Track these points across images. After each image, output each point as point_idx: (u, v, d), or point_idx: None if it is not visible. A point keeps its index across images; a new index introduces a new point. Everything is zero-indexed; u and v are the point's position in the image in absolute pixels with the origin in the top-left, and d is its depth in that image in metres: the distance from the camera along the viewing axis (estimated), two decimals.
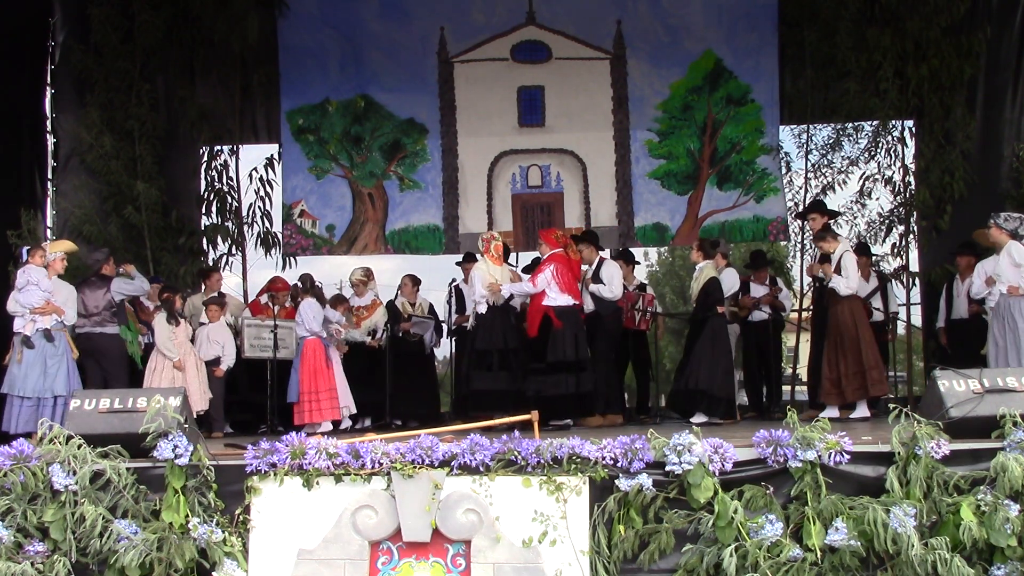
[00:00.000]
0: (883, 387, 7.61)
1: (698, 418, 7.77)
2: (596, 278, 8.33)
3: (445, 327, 9.37)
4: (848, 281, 7.51)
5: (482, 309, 8.23)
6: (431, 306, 9.53)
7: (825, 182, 10.70)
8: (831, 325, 7.59)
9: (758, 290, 9.32)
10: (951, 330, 8.72)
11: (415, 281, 9.46)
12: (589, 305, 8.33)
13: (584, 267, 8.46)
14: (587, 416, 7.85)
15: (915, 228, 9.99)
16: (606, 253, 9.17)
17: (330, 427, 7.95)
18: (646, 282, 10.19)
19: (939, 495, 4.49)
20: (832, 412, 7.39)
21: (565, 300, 7.89)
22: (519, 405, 7.44)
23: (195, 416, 7.97)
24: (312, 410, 7.93)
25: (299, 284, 8.49)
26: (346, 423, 8.25)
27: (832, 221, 8.29)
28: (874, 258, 10.13)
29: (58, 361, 7.26)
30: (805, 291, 10.70)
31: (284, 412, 8.21)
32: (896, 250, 10.25)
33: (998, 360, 6.89)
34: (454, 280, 9.38)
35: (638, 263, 10.03)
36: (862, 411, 7.49)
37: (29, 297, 7.27)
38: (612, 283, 8.31)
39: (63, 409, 6.90)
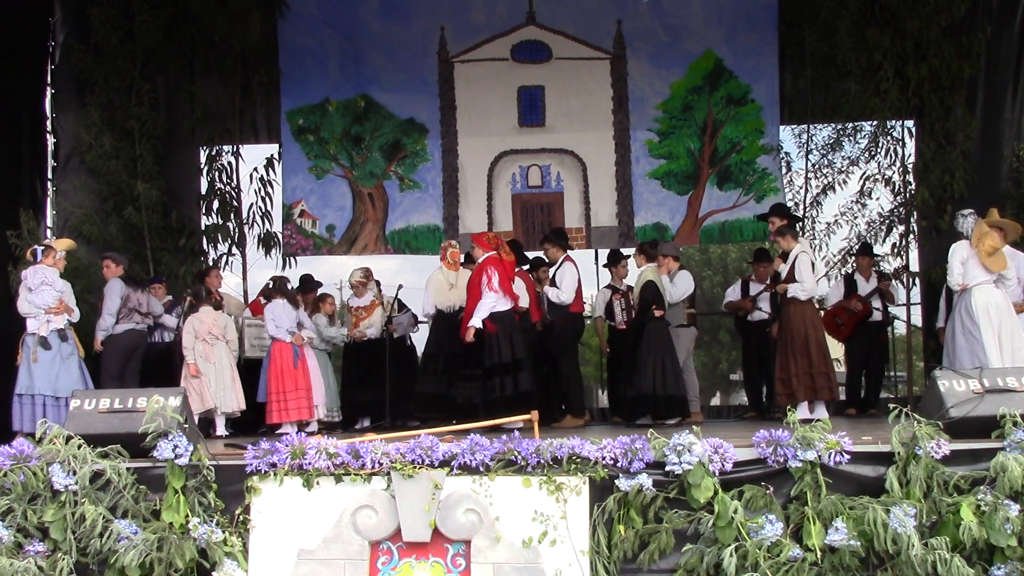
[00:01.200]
0: (831, 393, 7.62)
1: (645, 420, 7.79)
2: (552, 280, 8.26)
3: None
4: (803, 285, 7.53)
5: (430, 311, 8.33)
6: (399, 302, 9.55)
7: (825, 182, 10.72)
8: (784, 328, 7.70)
9: (757, 288, 9.32)
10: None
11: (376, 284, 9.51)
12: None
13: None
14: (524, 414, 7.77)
15: (915, 228, 9.99)
16: (604, 252, 9.15)
17: (295, 427, 7.86)
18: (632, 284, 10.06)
19: (939, 495, 4.49)
20: (804, 414, 7.43)
21: (500, 304, 7.81)
22: (460, 409, 7.62)
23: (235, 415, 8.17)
24: (279, 410, 7.93)
25: (269, 284, 8.49)
26: (313, 425, 8.17)
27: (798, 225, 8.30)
28: (875, 258, 10.16)
29: (73, 360, 7.35)
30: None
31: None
32: (896, 250, 10.25)
33: (950, 359, 6.99)
34: None
35: (628, 256, 9.93)
36: (819, 412, 7.47)
37: (44, 297, 7.32)
38: (564, 287, 8.20)
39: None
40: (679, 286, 8.49)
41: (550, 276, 8.48)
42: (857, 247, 9.74)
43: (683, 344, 8.46)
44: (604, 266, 9.64)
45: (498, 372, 7.70)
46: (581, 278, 8.48)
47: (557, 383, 8.54)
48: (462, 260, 8.65)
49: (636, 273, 8.35)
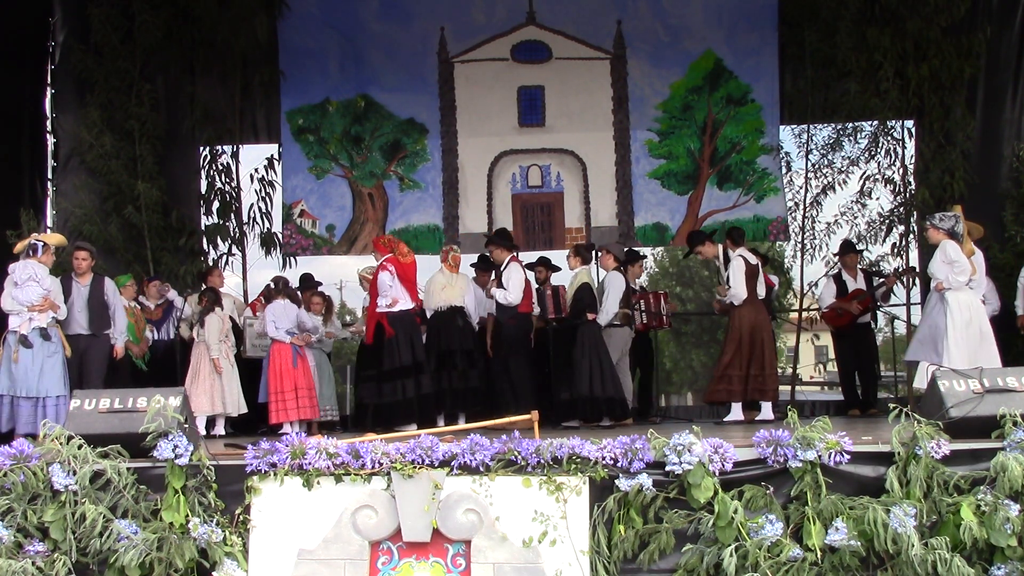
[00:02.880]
0: (775, 395, 7.99)
1: (573, 423, 7.88)
2: (499, 281, 8.24)
3: None
4: (734, 290, 7.92)
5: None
6: None
7: (825, 182, 10.72)
8: (729, 330, 8.07)
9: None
10: None
11: None
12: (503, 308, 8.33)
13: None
14: (429, 419, 7.79)
15: (915, 228, 9.98)
16: (579, 255, 9.10)
17: (296, 427, 7.96)
18: (644, 284, 9.99)
19: (939, 495, 4.49)
20: (736, 415, 7.86)
21: (400, 305, 7.87)
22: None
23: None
24: (278, 410, 7.97)
25: (271, 285, 8.50)
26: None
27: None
28: (876, 257, 10.17)
29: (57, 359, 7.10)
30: (805, 291, 10.72)
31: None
32: (896, 250, 10.25)
33: (918, 352, 7.11)
34: None
35: (644, 256, 9.92)
36: (766, 413, 7.84)
37: (28, 294, 7.06)
38: (511, 287, 8.17)
39: (63, 409, 6.89)
40: (612, 285, 8.40)
41: (497, 277, 8.45)
42: (840, 247, 9.68)
43: (616, 344, 8.42)
44: (686, 255, 9.69)
45: (399, 375, 7.73)
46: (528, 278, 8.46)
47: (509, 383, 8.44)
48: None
49: (571, 274, 8.40)
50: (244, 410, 8.23)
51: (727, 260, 8.18)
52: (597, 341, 8.09)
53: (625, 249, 9.42)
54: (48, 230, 10.17)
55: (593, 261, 8.79)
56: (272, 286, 8.44)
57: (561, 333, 8.27)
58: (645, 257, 9.30)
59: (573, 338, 8.06)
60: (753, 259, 8.11)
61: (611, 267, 8.45)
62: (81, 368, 7.55)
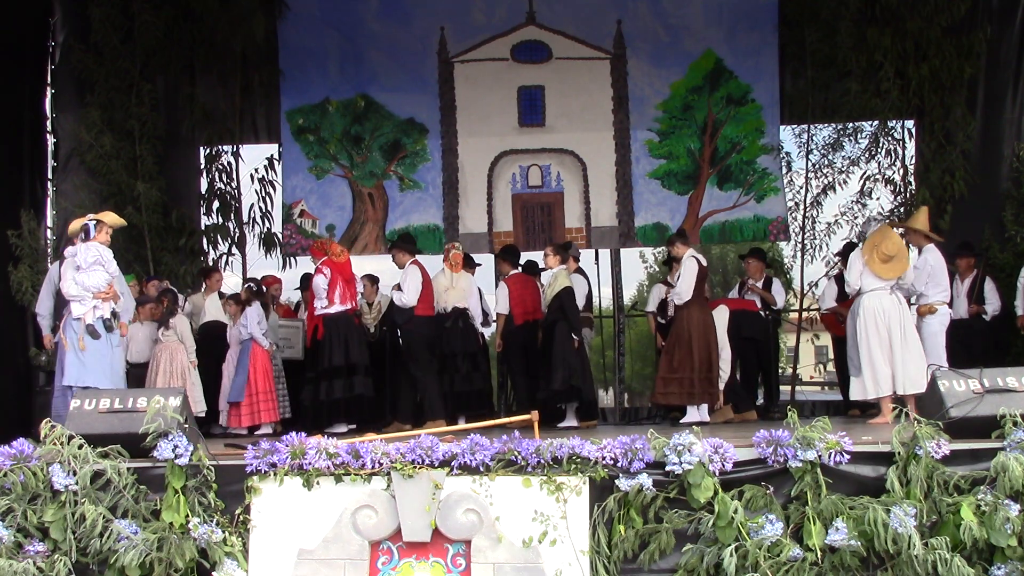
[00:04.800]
0: (715, 396, 7.98)
1: (570, 421, 7.90)
2: (399, 284, 8.26)
3: None
4: (677, 289, 8.01)
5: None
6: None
7: (825, 182, 10.72)
8: (673, 330, 8.10)
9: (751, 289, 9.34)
10: (951, 330, 8.69)
11: (373, 280, 9.55)
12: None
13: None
14: (369, 420, 7.88)
15: None
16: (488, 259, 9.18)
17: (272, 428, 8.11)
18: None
19: (939, 495, 4.49)
20: (693, 416, 7.83)
21: (336, 307, 7.94)
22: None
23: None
24: (259, 411, 8.04)
25: (251, 287, 8.60)
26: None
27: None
28: None
29: (120, 351, 6.69)
30: (805, 291, 10.72)
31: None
32: None
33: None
34: None
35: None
36: (691, 415, 7.85)
37: (96, 279, 6.48)
38: (407, 289, 8.14)
39: None
40: (574, 288, 8.42)
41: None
42: (844, 248, 9.64)
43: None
44: (664, 263, 9.69)
45: (329, 376, 7.78)
46: (430, 281, 8.39)
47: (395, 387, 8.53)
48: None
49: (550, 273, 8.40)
50: (204, 409, 8.22)
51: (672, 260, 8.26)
52: (567, 340, 8.09)
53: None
54: (49, 230, 10.18)
55: (571, 260, 8.78)
56: (252, 288, 8.52)
57: (543, 330, 8.29)
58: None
59: (552, 335, 8.06)
60: (703, 260, 8.16)
61: (572, 268, 8.50)
62: None
